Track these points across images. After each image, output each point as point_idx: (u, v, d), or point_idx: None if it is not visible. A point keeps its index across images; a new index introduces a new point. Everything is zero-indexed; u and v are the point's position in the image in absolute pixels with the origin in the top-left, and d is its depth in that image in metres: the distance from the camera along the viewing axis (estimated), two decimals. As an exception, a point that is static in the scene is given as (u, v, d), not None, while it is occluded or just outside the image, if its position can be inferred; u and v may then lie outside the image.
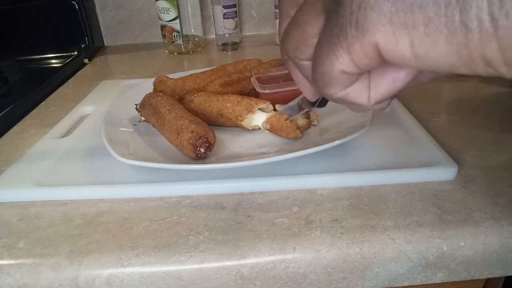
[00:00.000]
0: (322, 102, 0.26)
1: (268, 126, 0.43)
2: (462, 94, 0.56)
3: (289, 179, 0.36)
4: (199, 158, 0.39)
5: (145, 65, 0.78)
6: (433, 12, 0.13)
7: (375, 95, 0.18)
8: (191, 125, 0.39)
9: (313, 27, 0.18)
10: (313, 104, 0.26)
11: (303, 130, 0.43)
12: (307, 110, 0.28)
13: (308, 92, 0.24)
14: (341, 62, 0.16)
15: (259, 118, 0.44)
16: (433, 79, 0.20)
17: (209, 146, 0.39)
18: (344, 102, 0.19)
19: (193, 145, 0.38)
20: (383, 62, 0.16)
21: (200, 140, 0.38)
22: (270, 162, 0.37)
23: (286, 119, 0.41)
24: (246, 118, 0.44)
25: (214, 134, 0.40)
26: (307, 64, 0.20)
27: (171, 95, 0.49)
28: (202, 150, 0.38)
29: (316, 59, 0.17)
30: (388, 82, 0.17)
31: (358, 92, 0.18)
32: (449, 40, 0.13)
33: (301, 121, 0.43)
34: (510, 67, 0.13)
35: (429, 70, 0.16)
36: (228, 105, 0.45)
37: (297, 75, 0.23)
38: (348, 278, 0.31)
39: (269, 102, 0.45)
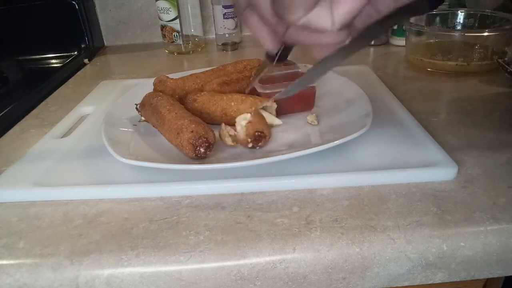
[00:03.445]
0: (282, 54, 0.25)
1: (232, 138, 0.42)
2: (462, 94, 0.56)
3: (289, 179, 0.36)
4: (199, 158, 0.39)
5: (145, 65, 0.78)
6: None
7: (338, 17, 0.18)
8: (191, 125, 0.39)
9: None
10: (273, 59, 0.25)
11: (240, 143, 0.42)
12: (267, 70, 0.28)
13: (268, 40, 0.23)
14: None
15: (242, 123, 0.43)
16: (391, 8, 0.20)
17: (209, 146, 0.39)
18: (308, 29, 0.19)
19: (193, 145, 0.38)
20: None
21: (200, 140, 0.38)
22: (270, 162, 0.37)
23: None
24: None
25: (214, 134, 0.40)
26: (263, 1, 0.19)
27: (171, 95, 0.49)
28: (202, 150, 0.38)
29: None
30: (347, 0, 0.18)
31: (321, 16, 0.18)
32: None
33: (238, 136, 0.42)
34: None
35: None
36: (233, 103, 0.45)
37: (254, 24, 0.22)
38: (348, 278, 0.31)
39: (273, 100, 0.45)
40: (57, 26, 0.83)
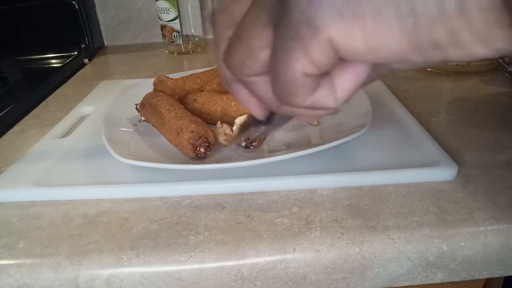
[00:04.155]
0: (269, 119, 0.25)
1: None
2: (462, 94, 0.56)
3: (289, 179, 0.36)
4: (199, 158, 0.39)
5: (145, 65, 0.78)
6: (381, 3, 0.13)
7: (342, 94, 0.18)
8: (191, 125, 0.39)
9: (259, 39, 0.17)
10: (261, 122, 0.25)
11: (235, 143, 0.42)
12: (258, 133, 0.27)
13: (257, 109, 0.22)
14: (302, 64, 0.15)
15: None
16: (391, 71, 0.19)
17: (209, 146, 0.39)
18: (312, 109, 0.18)
19: (193, 145, 0.38)
20: (340, 60, 0.16)
21: (200, 140, 0.38)
22: (270, 162, 0.37)
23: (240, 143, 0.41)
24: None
25: (214, 134, 0.40)
26: (255, 80, 0.19)
27: (171, 95, 0.49)
28: (202, 150, 0.38)
29: (275, 70, 0.17)
30: (350, 78, 0.17)
31: (325, 96, 0.17)
32: (399, 28, 0.14)
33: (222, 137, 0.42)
34: (456, 47, 0.13)
35: (385, 62, 0.16)
36: (233, 103, 0.45)
37: (242, 95, 0.22)
38: (348, 278, 0.31)
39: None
40: (57, 26, 0.83)
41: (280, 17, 0.16)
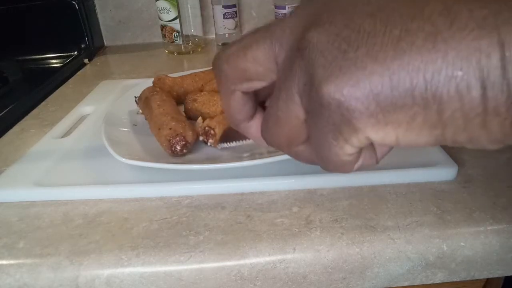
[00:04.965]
0: None
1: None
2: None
3: (289, 179, 0.36)
4: (176, 155, 0.40)
5: (145, 65, 0.78)
6: (414, 112, 0.14)
7: (381, 155, 0.20)
8: (171, 122, 0.40)
9: (297, 118, 0.18)
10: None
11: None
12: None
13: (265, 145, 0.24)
14: (344, 149, 0.17)
15: None
16: None
17: (186, 144, 0.39)
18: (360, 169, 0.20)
19: (169, 141, 0.39)
20: None
21: (177, 138, 0.39)
22: (270, 162, 0.36)
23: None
24: None
25: (193, 134, 0.40)
26: (302, 148, 0.20)
27: (168, 92, 0.50)
28: (178, 147, 0.39)
29: (319, 154, 0.18)
30: (387, 148, 0.20)
31: (368, 159, 0.19)
32: (428, 133, 0.15)
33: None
34: (474, 145, 0.15)
35: None
36: None
37: (252, 134, 0.23)
38: (348, 278, 0.31)
39: None
40: (57, 26, 0.83)
41: (314, 109, 0.16)
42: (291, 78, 0.17)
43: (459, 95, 0.13)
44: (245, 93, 0.21)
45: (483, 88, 0.13)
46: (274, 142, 0.20)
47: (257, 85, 0.20)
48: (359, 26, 0.15)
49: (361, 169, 0.19)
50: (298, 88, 0.17)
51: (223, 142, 0.40)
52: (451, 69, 0.13)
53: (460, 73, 0.13)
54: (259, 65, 0.19)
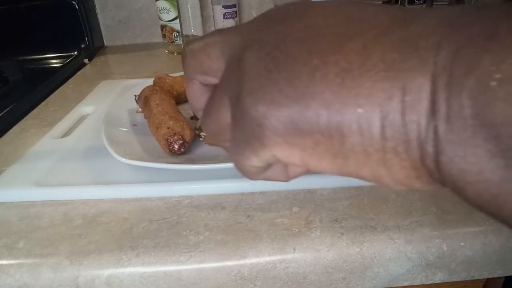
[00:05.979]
0: None
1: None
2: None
3: (289, 179, 0.36)
4: (174, 154, 0.40)
5: (145, 65, 0.78)
6: (317, 139, 0.15)
7: (293, 175, 0.21)
8: (169, 121, 0.40)
9: (224, 119, 0.19)
10: None
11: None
12: None
13: None
14: (251, 161, 0.18)
15: None
16: None
17: (184, 143, 0.39)
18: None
19: (167, 140, 0.39)
20: None
21: (175, 137, 0.39)
22: (270, 162, 0.36)
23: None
24: None
25: (191, 133, 0.40)
26: (228, 144, 0.21)
27: (168, 90, 0.50)
28: (176, 146, 0.39)
29: (231, 155, 0.19)
30: (299, 169, 0.21)
31: (277, 173, 0.20)
32: (331, 161, 0.15)
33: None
34: (378, 183, 0.15)
35: None
36: None
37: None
38: (348, 278, 0.31)
39: None
40: (57, 26, 0.83)
41: (237, 117, 0.17)
42: (227, 83, 0.18)
43: (360, 130, 0.14)
44: (204, 84, 0.22)
45: (383, 127, 0.14)
46: (207, 132, 0.21)
47: (211, 80, 0.21)
48: (288, 49, 0.16)
49: (271, 180, 0.21)
50: (230, 94, 0.18)
51: None
52: (354, 105, 0.14)
53: (361, 110, 0.14)
54: (213, 63, 0.20)
